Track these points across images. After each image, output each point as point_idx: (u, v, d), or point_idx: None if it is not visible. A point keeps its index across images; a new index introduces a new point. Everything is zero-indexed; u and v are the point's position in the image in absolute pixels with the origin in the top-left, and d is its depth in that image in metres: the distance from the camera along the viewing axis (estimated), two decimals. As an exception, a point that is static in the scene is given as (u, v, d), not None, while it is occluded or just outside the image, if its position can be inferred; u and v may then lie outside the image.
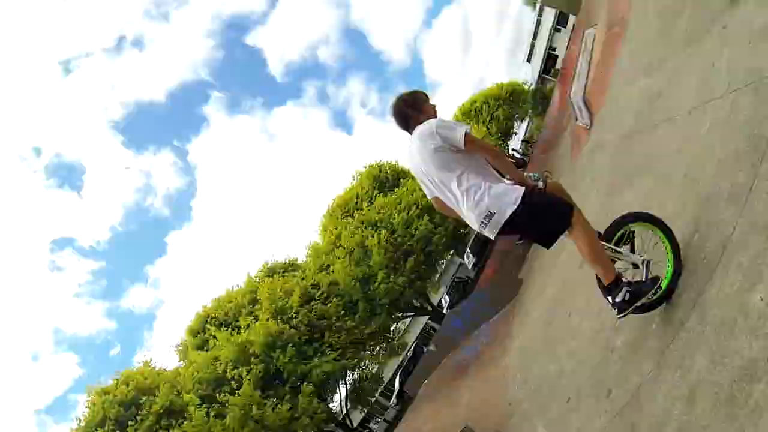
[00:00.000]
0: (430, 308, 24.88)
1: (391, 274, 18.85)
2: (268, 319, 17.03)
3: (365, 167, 23.56)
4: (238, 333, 17.71)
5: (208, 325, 19.62)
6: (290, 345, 16.57)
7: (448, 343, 14.91)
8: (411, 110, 3.04)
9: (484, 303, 13.78)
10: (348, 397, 21.14)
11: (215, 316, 20.49)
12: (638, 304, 2.68)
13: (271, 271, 22.14)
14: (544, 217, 2.77)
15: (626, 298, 2.66)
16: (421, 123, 2.93)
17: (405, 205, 19.81)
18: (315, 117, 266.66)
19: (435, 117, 2.97)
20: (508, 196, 2.69)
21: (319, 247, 21.53)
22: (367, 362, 22.23)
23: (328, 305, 18.43)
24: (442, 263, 26.48)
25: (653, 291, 2.71)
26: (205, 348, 18.81)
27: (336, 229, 20.53)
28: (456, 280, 27.12)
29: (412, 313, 24.45)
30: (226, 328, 18.71)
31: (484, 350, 11.04)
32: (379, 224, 19.47)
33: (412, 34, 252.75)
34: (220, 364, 16.41)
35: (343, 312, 18.58)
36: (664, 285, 2.81)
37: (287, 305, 17.84)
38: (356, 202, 21.79)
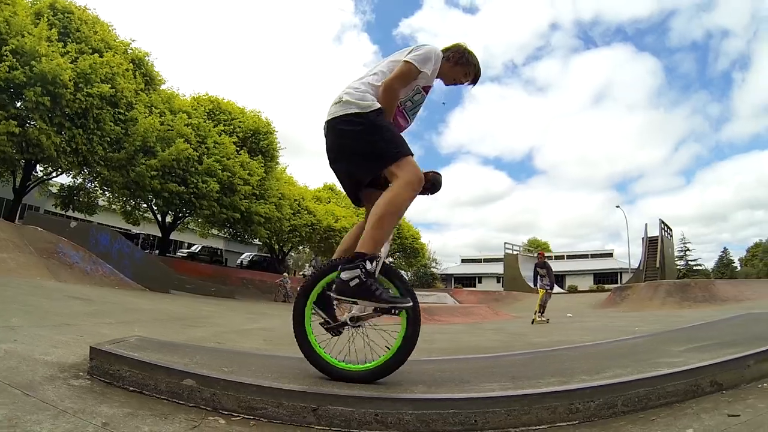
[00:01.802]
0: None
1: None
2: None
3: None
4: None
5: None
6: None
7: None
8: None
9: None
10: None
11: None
12: (354, 300, 2.26)
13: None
14: (373, 138, 2.40)
15: (353, 283, 2.21)
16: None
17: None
18: None
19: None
20: (366, 100, 2.47)
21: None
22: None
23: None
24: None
25: (389, 306, 2.24)
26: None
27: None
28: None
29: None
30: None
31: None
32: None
33: None
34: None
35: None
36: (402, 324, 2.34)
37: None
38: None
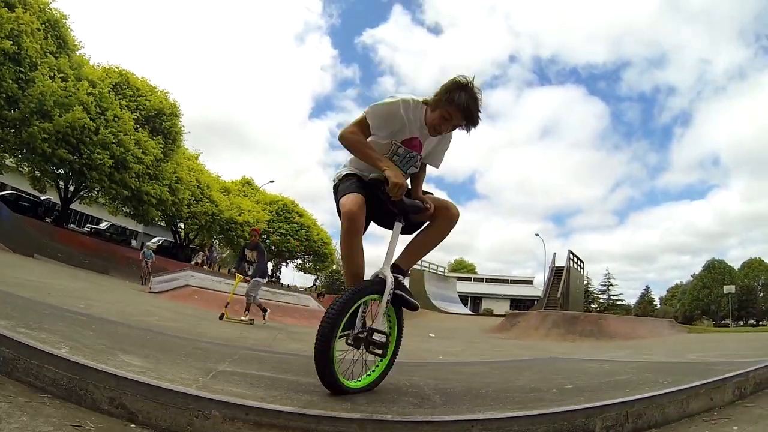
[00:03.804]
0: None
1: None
2: None
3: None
4: None
5: None
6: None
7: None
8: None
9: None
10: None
11: None
12: None
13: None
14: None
15: None
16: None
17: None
18: None
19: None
20: (337, 171, 2.89)
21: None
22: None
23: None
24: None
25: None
26: None
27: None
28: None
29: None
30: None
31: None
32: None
33: None
34: None
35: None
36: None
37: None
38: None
